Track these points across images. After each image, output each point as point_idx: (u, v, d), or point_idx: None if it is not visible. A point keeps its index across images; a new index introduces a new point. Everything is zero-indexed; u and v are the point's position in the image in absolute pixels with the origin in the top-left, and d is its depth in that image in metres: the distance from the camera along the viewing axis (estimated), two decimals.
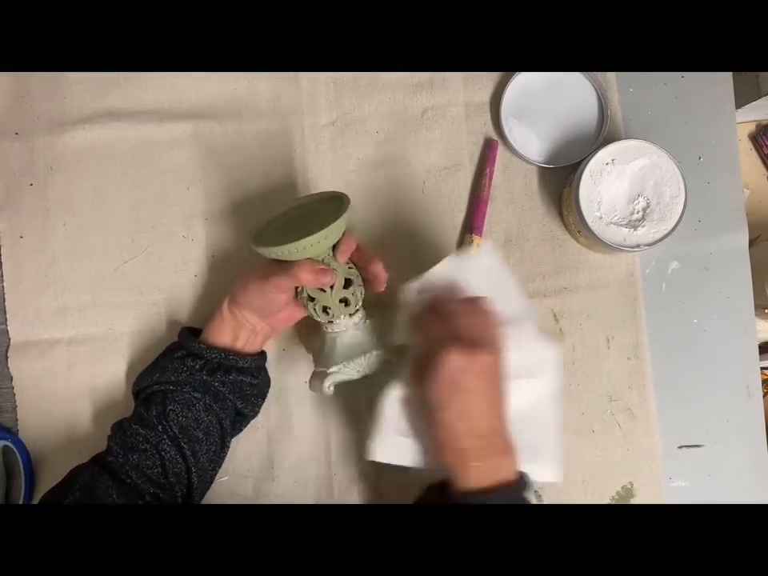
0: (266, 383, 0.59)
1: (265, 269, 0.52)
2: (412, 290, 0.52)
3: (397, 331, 0.53)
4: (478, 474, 0.45)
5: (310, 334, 0.58)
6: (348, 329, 0.54)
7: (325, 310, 0.53)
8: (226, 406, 0.55)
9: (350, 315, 0.53)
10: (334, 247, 0.52)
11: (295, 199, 0.57)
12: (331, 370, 0.52)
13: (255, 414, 0.59)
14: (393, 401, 0.49)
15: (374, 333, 0.55)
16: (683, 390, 0.64)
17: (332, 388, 0.53)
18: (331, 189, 0.63)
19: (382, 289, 0.53)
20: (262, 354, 0.59)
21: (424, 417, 0.48)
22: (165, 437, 0.53)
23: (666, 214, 0.58)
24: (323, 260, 0.51)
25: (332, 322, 0.53)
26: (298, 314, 0.56)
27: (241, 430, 0.59)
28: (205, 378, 0.54)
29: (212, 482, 0.57)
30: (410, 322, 0.50)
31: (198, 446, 0.54)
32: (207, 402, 0.54)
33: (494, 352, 0.46)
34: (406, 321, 0.51)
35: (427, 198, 0.64)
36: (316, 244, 0.49)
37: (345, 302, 0.53)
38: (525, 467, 0.48)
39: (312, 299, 0.53)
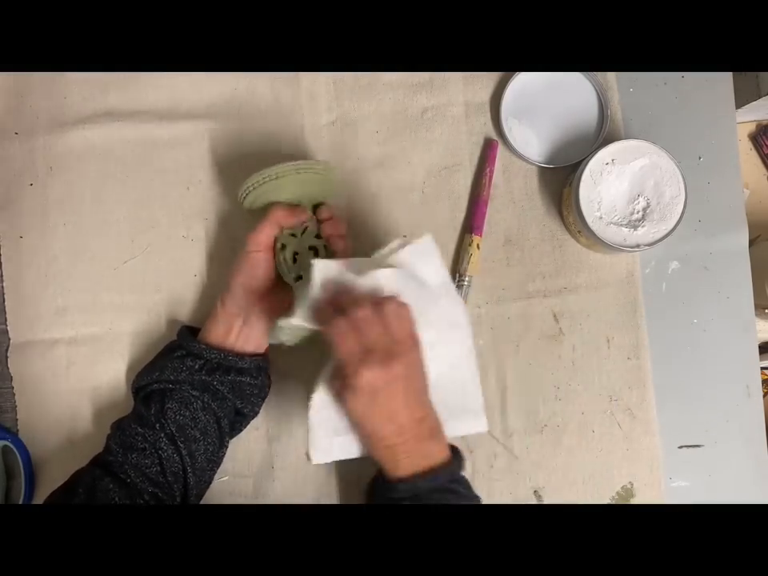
0: (265, 384, 0.59)
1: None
2: (323, 270, 0.48)
3: (301, 312, 0.49)
4: (409, 464, 0.47)
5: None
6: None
7: (294, 258, 0.54)
8: (224, 405, 0.55)
9: None
10: (315, 210, 0.56)
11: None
12: (292, 317, 0.50)
13: (255, 413, 0.59)
14: (321, 402, 0.49)
15: None
16: (683, 390, 0.64)
17: (286, 335, 0.52)
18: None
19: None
20: (264, 356, 0.59)
21: (349, 422, 0.49)
22: (162, 435, 0.53)
23: (666, 214, 0.58)
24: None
25: (301, 277, 0.54)
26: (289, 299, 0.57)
27: (241, 431, 0.59)
28: (204, 377, 0.54)
29: (210, 482, 0.57)
30: (317, 321, 0.48)
31: (196, 446, 0.54)
32: (206, 400, 0.54)
33: (410, 353, 0.47)
34: (310, 307, 0.48)
35: (427, 197, 0.64)
36: (293, 174, 0.53)
37: (314, 250, 0.55)
38: (451, 424, 0.50)
39: (284, 248, 0.54)
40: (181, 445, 0.53)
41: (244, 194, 0.56)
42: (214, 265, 0.63)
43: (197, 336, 0.57)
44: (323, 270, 0.48)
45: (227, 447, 0.57)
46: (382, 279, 0.48)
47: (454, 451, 0.51)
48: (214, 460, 0.56)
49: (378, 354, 0.45)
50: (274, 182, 0.54)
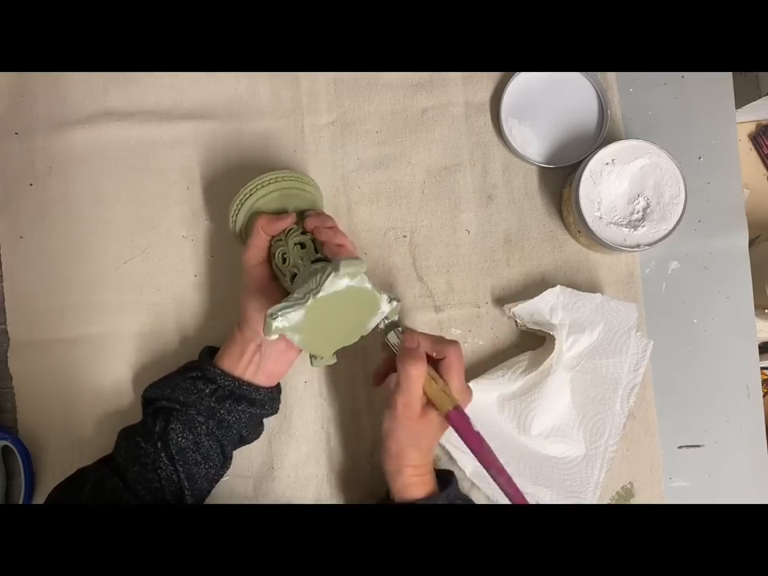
0: (273, 411, 0.58)
1: None
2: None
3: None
4: (431, 481, 0.53)
5: None
6: None
7: (284, 259, 0.53)
8: (229, 433, 0.54)
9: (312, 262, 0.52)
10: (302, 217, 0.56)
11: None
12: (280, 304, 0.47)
13: (257, 437, 0.58)
14: None
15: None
16: (683, 390, 0.64)
17: (278, 324, 0.46)
18: (330, 188, 0.64)
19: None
20: (277, 386, 0.58)
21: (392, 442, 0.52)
22: (162, 454, 0.52)
23: (665, 214, 0.58)
24: None
25: (295, 275, 0.52)
26: None
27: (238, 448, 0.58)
28: (213, 404, 0.53)
29: (208, 495, 0.57)
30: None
31: (196, 469, 0.53)
32: (210, 427, 0.53)
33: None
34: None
35: (427, 197, 0.64)
36: (269, 185, 0.54)
37: (302, 245, 0.54)
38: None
39: (275, 256, 0.54)
40: (179, 468, 0.52)
41: (233, 224, 0.57)
42: (215, 265, 0.63)
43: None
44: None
45: (229, 467, 0.57)
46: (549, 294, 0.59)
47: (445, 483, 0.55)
48: (215, 479, 0.56)
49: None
50: (249, 199, 0.55)
